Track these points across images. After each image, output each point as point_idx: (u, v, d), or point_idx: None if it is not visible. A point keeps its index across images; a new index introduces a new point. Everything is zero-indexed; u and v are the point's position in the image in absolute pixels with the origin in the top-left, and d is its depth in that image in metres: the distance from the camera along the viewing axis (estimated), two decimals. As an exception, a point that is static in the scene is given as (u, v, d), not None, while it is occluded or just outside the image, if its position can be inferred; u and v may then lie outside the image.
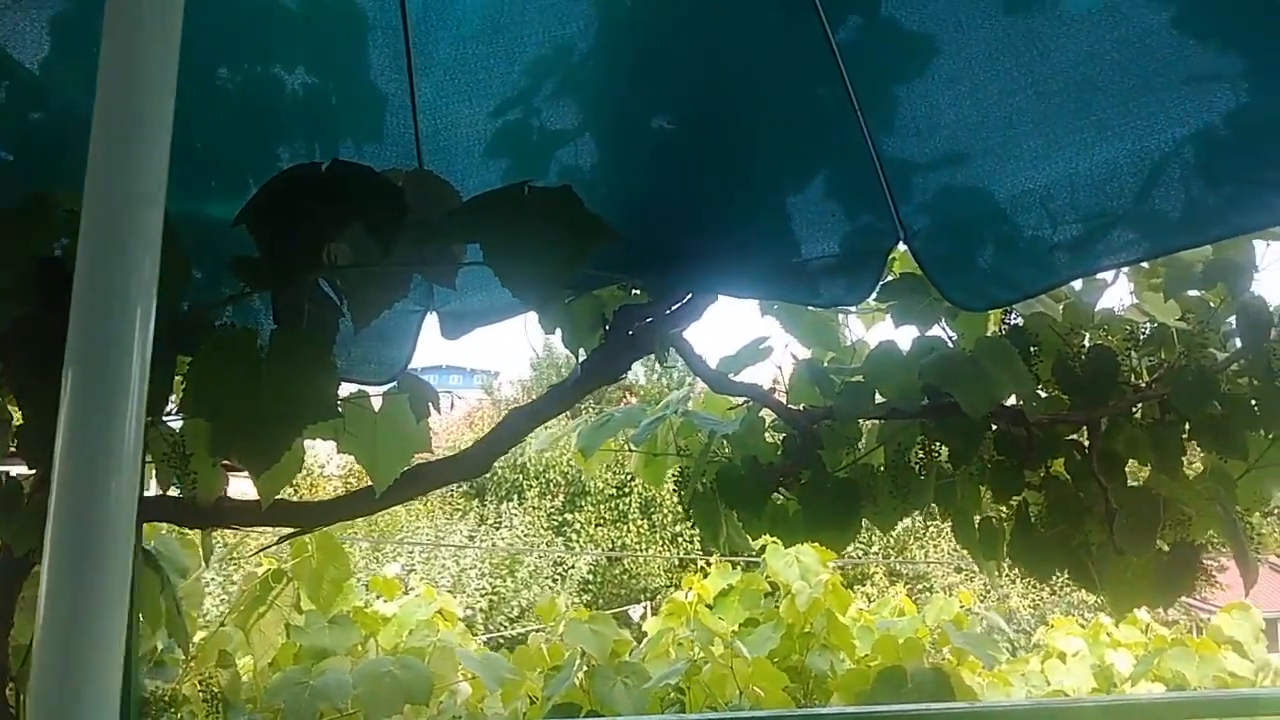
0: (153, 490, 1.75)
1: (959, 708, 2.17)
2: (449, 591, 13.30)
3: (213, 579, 11.09)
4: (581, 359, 1.84)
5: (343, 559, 2.57)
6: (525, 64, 1.68)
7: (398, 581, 3.91)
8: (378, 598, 3.86)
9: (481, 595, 15.22)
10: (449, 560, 15.29)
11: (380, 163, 1.76)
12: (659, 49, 1.75)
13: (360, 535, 15.17)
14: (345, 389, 1.70)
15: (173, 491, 1.68)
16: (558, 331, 1.88)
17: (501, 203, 1.42)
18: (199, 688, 2.40)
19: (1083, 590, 2.21)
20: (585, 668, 3.02)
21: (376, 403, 1.63)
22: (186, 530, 2.15)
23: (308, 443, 1.67)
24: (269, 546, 2.09)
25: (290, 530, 1.78)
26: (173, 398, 1.47)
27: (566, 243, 1.40)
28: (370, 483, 1.63)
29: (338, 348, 1.55)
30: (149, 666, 2.29)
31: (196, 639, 2.69)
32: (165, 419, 1.60)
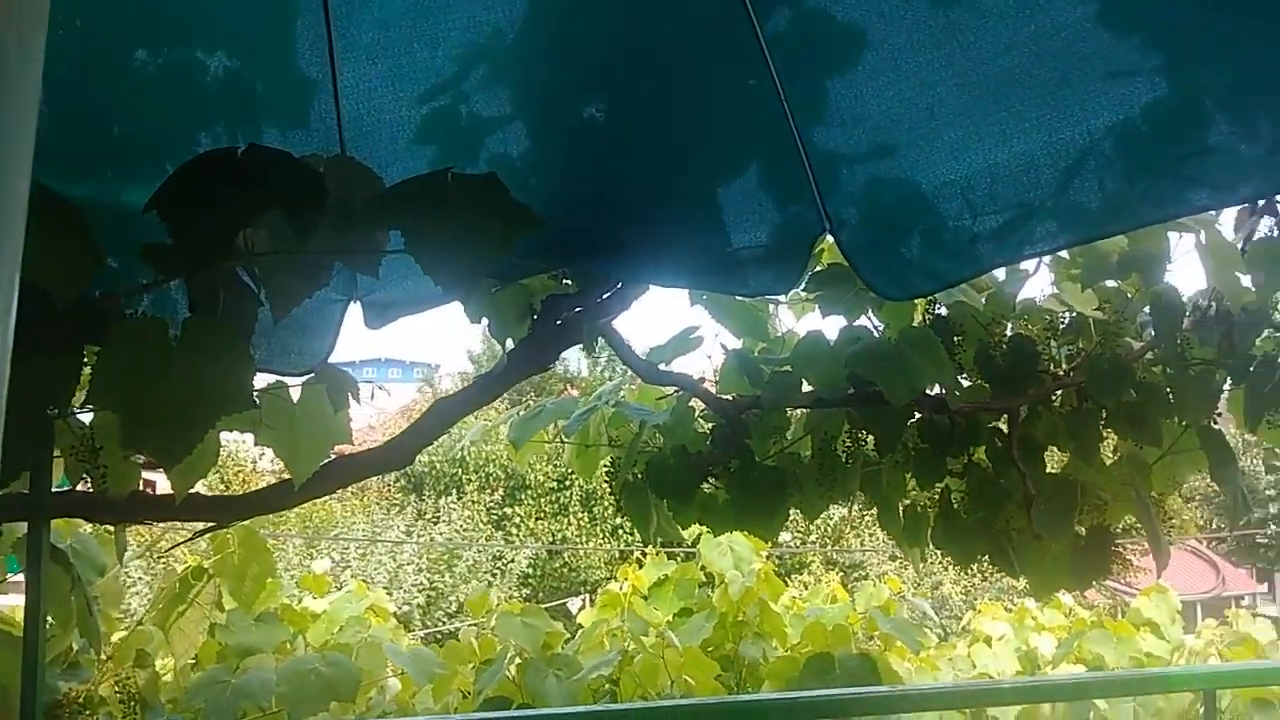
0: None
1: (881, 691, 2.21)
2: (385, 588, 13.17)
3: (141, 577, 10.80)
4: (509, 349, 1.83)
5: (266, 555, 2.52)
6: (452, 50, 1.66)
7: (328, 578, 3.85)
8: (308, 595, 3.80)
9: (419, 591, 15.06)
10: (385, 556, 15.10)
11: (306, 149, 1.72)
12: (590, 37, 1.73)
13: (294, 532, 14.91)
14: (264, 380, 1.66)
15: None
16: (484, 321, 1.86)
17: (424, 190, 1.40)
18: (116, 689, 2.33)
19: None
20: (517, 661, 3.01)
21: (297, 394, 1.59)
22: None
23: (243, 437, 1.63)
24: (184, 542, 2.03)
25: (207, 525, 1.73)
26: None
27: (491, 231, 1.38)
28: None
29: (257, 338, 1.51)
30: (62, 668, 2.21)
31: (116, 638, 2.61)
32: (75, 411, 1.55)
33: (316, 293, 1.50)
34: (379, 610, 3.77)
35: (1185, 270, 1.99)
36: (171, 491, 1.62)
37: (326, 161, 1.49)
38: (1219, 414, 2.18)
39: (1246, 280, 1.91)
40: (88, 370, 1.39)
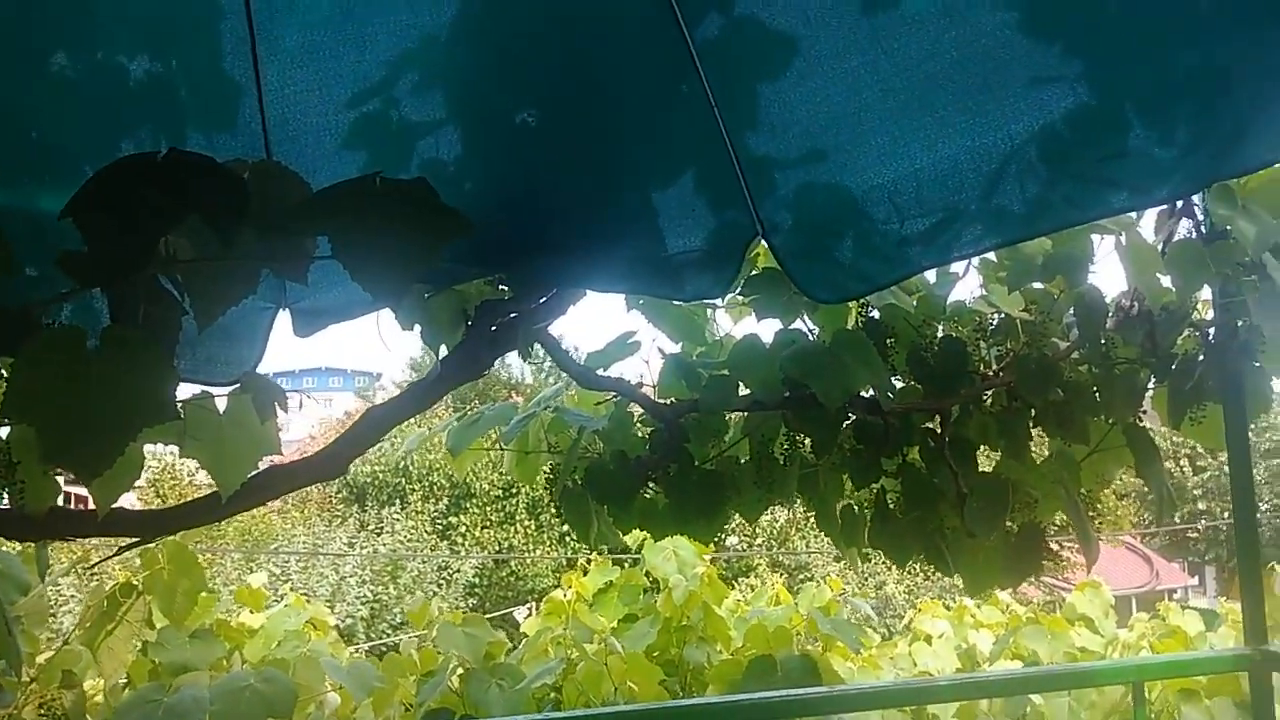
0: None
1: (822, 692, 2.23)
2: (328, 601, 12.95)
3: (74, 595, 10.49)
4: (443, 356, 1.81)
5: (197, 570, 2.46)
6: (381, 54, 1.64)
7: (264, 591, 3.77)
8: (245, 610, 3.72)
9: (363, 603, 14.84)
10: (327, 569, 14.85)
11: (233, 153, 1.69)
12: (522, 42, 1.73)
13: (233, 546, 14.61)
14: (190, 390, 1.63)
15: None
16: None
17: (351, 194, 1.38)
18: (40, 711, 2.25)
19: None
20: (460, 671, 2.97)
21: (224, 404, 1.56)
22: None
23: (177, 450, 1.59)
24: (109, 557, 1.97)
25: (132, 541, 1.68)
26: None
27: (420, 236, 1.37)
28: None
29: (181, 347, 1.48)
30: (-18, 691, 2.14)
31: (43, 659, 2.53)
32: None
33: (243, 300, 1.47)
34: (319, 623, 3.71)
35: (1108, 272, 2.04)
36: (94, 506, 1.57)
37: (251, 166, 1.46)
38: (1144, 412, 2.24)
39: (1166, 281, 1.96)
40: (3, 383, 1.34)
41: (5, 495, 1.55)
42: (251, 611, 3.70)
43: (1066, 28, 1.48)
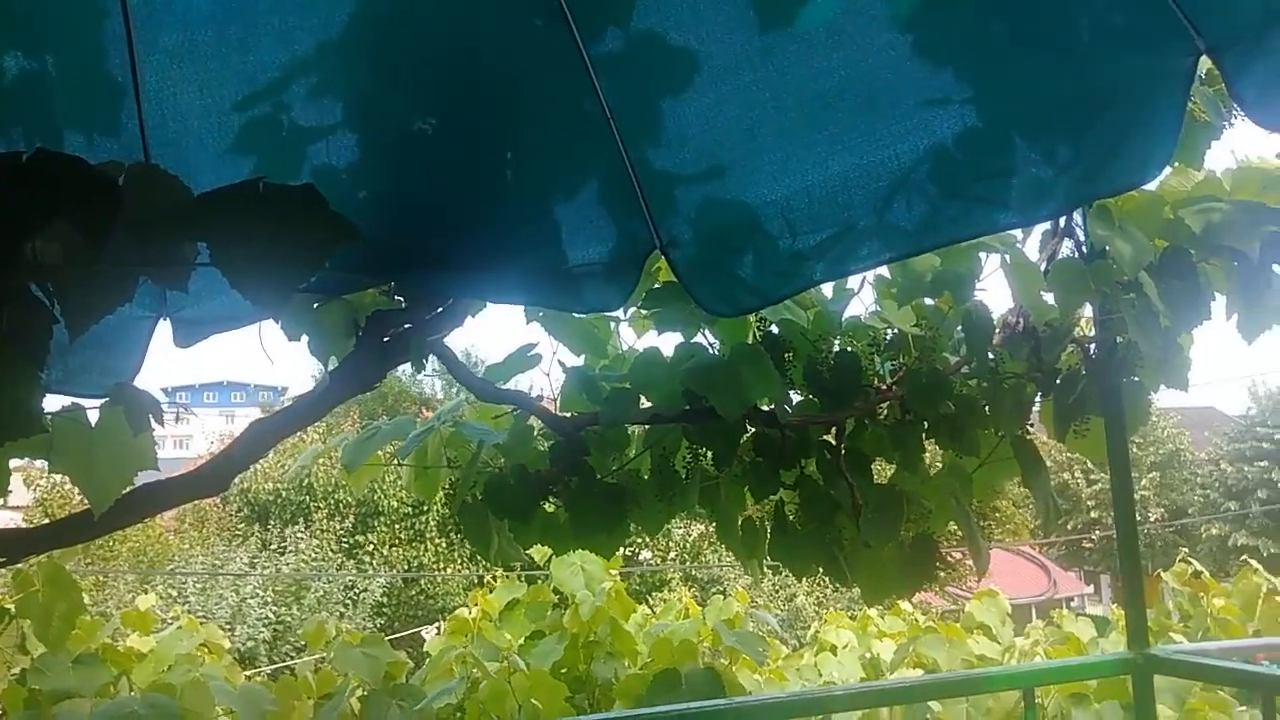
0: None
1: (725, 704, 2.24)
2: (228, 623, 12.52)
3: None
4: (332, 368, 1.76)
5: (74, 591, 2.34)
6: (270, 56, 1.60)
7: (154, 614, 3.62)
8: (134, 633, 3.57)
9: (265, 625, 14.38)
10: (228, 590, 14.36)
11: (117, 157, 1.62)
12: (418, 50, 1.71)
13: (126, 567, 14.01)
14: (59, 402, 1.55)
15: None
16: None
17: (233, 200, 1.33)
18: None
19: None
20: (360, 693, 2.90)
21: (94, 417, 1.49)
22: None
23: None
24: (-30, 580, 1.87)
25: (-4, 561, 1.59)
26: None
27: (305, 243, 1.33)
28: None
29: (52, 356, 1.41)
30: None
31: (-96, 690, 2.38)
32: None
33: (119, 309, 1.41)
34: (213, 646, 3.57)
35: (995, 289, 2.11)
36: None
37: (128, 169, 1.41)
38: (1031, 425, 2.31)
39: (1050, 298, 2.03)
40: None
41: None
42: (140, 635, 3.55)
43: (955, 53, 1.53)
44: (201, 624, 3.67)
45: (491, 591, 3.98)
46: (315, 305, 1.77)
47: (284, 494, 16.76)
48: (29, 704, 2.64)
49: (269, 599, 14.75)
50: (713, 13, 1.52)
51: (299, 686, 2.96)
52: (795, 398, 2.17)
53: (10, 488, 1.59)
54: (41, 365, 1.36)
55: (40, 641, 2.43)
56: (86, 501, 1.48)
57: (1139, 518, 2.46)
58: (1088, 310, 2.25)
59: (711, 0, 1.52)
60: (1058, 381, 2.22)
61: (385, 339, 1.76)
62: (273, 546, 16.22)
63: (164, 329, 1.80)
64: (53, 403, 1.56)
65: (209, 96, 1.59)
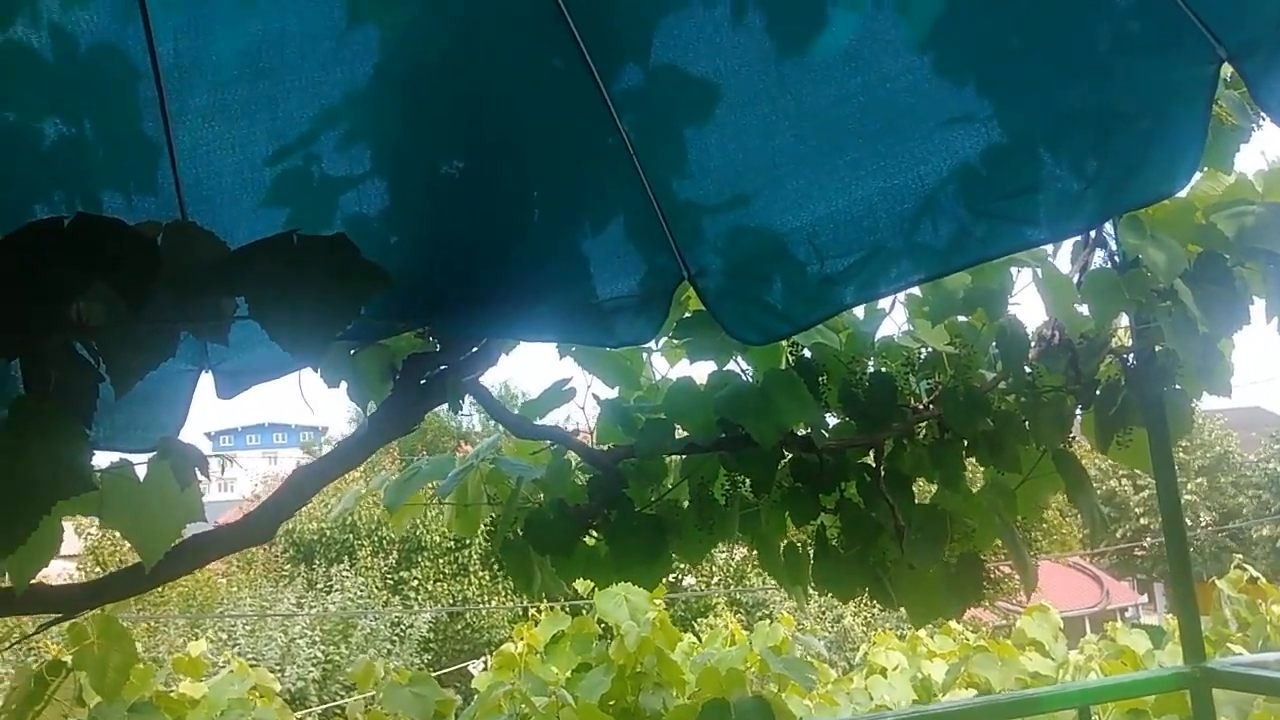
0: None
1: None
2: (277, 664, 12.60)
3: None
4: (371, 412, 1.79)
5: (128, 643, 2.37)
6: (298, 110, 1.64)
7: (204, 660, 3.66)
8: (186, 679, 3.61)
9: (314, 665, 14.46)
10: (276, 631, 14.46)
11: (155, 213, 1.67)
12: (443, 95, 1.74)
13: (176, 612, 14.17)
14: (108, 458, 1.58)
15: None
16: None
17: (268, 253, 1.36)
18: (-38, 801, 2.15)
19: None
20: (409, 732, 2.91)
21: (142, 471, 1.52)
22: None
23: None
24: (27, 637, 1.91)
25: (52, 618, 1.62)
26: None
27: (340, 292, 1.36)
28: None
29: (99, 414, 1.44)
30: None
31: (-35, 745, 2.42)
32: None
33: (162, 364, 1.44)
34: (263, 690, 3.61)
35: (1029, 303, 2.09)
36: (10, 584, 1.52)
37: (165, 227, 1.44)
38: (1073, 437, 2.29)
39: (1085, 310, 2.01)
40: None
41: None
42: (192, 681, 3.59)
43: (973, 71, 1.53)
44: (252, 667, 3.71)
45: (536, 625, 3.98)
46: (352, 352, 1.80)
47: (328, 533, 16.89)
48: (87, 755, 2.68)
49: (317, 638, 14.83)
50: (730, 45, 1.53)
51: (350, 728, 2.97)
52: (831, 420, 2.17)
53: (63, 535, 1.62)
54: (89, 423, 1.40)
55: (97, 693, 2.47)
56: (131, 549, 1.51)
57: (1188, 523, 2.42)
58: (1123, 320, 2.23)
59: (728, 33, 1.53)
60: (1097, 393, 2.20)
61: (422, 381, 1.78)
62: (319, 586, 16.33)
63: (206, 381, 1.84)
64: (100, 459, 1.60)
65: (241, 153, 1.63)
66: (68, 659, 2.44)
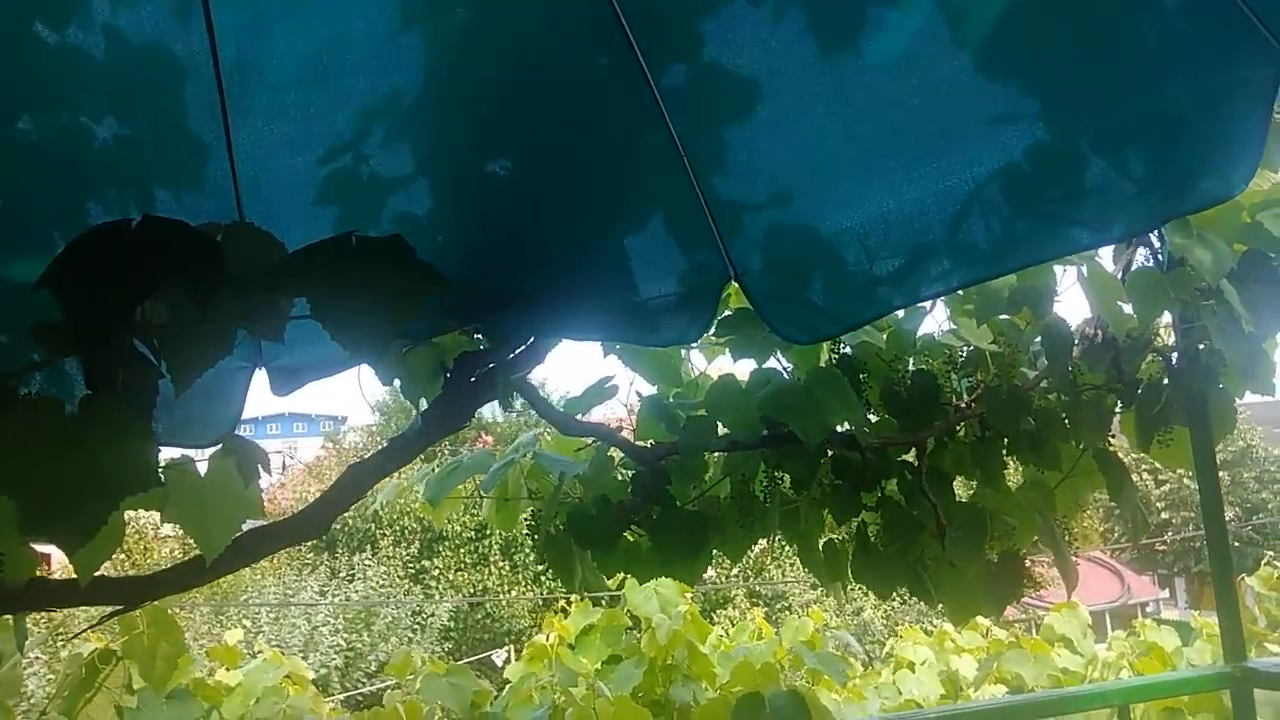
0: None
1: (812, 729, 2.23)
2: (300, 652, 12.71)
3: (37, 657, 10.23)
4: (423, 408, 1.81)
5: (176, 633, 2.42)
6: (351, 110, 1.66)
7: (240, 649, 3.71)
8: (221, 667, 3.66)
9: (336, 652, 14.59)
10: (299, 619, 14.59)
11: (202, 211, 1.69)
12: (490, 94, 1.75)
13: (200, 600, 14.31)
14: (168, 454, 1.61)
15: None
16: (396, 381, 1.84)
17: (328, 254, 1.38)
18: (17, 786, 2.20)
19: (926, 601, 2.31)
20: (445, 723, 2.94)
21: (202, 466, 1.55)
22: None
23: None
24: (94, 625, 1.94)
25: (114, 609, 1.66)
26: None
27: (398, 292, 1.38)
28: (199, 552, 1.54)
29: (158, 410, 1.47)
30: (-43, 767, 2.08)
31: (14, 731, 2.47)
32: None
33: (219, 362, 1.47)
34: (297, 678, 3.65)
35: (1071, 300, 2.09)
36: (75, 575, 1.55)
37: (225, 229, 1.47)
38: (1113, 436, 2.29)
39: (1128, 308, 2.01)
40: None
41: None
42: (227, 669, 3.64)
43: (1021, 69, 1.53)
44: (284, 656, 3.76)
45: (566, 616, 4.01)
46: (405, 350, 1.82)
47: (350, 523, 17.02)
48: (130, 742, 2.72)
49: (339, 627, 14.96)
50: (782, 47, 1.54)
51: (389, 717, 3.01)
52: (871, 419, 2.17)
53: (124, 528, 1.65)
54: (151, 420, 1.43)
55: (145, 681, 2.51)
56: (161, 535, 1.54)
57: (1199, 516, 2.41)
58: (1166, 318, 2.22)
59: (780, 35, 1.54)
60: (1139, 391, 2.20)
61: (472, 379, 1.80)
62: (341, 575, 16.46)
63: (259, 377, 1.87)
64: (162, 454, 1.63)
65: (297, 154, 1.65)
66: (116, 648, 2.49)
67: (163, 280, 1.35)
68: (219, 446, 1.53)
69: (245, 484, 1.47)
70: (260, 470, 1.48)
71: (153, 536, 14.91)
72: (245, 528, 1.63)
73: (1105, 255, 2.14)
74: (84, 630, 1.95)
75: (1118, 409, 2.25)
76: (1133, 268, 2.09)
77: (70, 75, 1.59)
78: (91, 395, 1.34)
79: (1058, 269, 2.05)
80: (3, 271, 1.67)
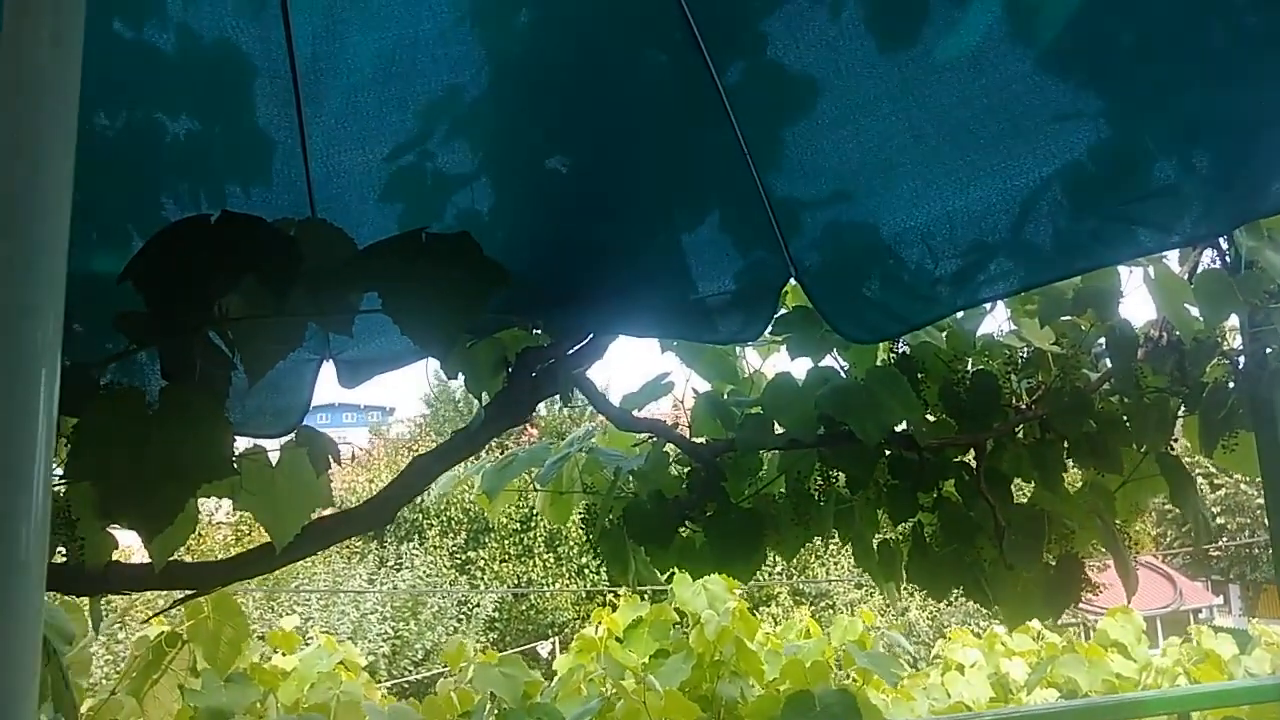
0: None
1: (866, 729, 2.22)
2: (349, 638, 12.91)
3: (96, 639, 10.52)
4: (485, 402, 1.84)
5: (240, 618, 2.49)
6: (417, 108, 1.68)
7: (296, 634, 3.79)
8: (276, 652, 3.74)
9: (384, 640, 14.80)
10: (349, 606, 14.83)
11: (270, 206, 1.73)
12: (552, 92, 1.77)
13: (254, 586, 14.59)
14: (242, 444, 1.66)
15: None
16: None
17: (399, 250, 1.41)
18: (87, 762, 2.27)
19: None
20: (496, 711, 2.98)
21: (273, 456, 1.59)
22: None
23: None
24: (165, 609, 2.00)
25: (188, 593, 1.71)
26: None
27: (465, 288, 1.40)
28: (268, 539, 1.58)
29: (231, 401, 1.51)
30: (32, 743, 2.15)
31: (85, 708, 2.55)
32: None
33: (290, 354, 1.51)
34: (350, 665, 3.72)
35: (1136, 301, 2.06)
36: (149, 559, 1.60)
37: (298, 224, 1.50)
38: (1175, 440, 2.25)
39: (1195, 310, 1.98)
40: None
41: (64, 551, 1.57)
42: (284, 654, 3.72)
43: (1088, 67, 1.51)
44: (338, 643, 3.83)
45: (615, 610, 4.04)
46: (470, 345, 1.85)
47: (399, 512, 17.23)
48: (193, 723, 2.80)
49: (387, 614, 15.17)
50: (847, 46, 1.54)
51: (442, 705, 3.06)
52: (929, 419, 2.16)
53: (198, 515, 1.70)
54: (225, 409, 1.47)
55: (210, 665, 2.58)
56: (215, 522, 1.58)
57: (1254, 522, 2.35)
58: (1233, 321, 2.18)
59: (845, 34, 1.53)
60: (1204, 395, 2.16)
61: (533, 374, 1.82)
62: (389, 563, 16.69)
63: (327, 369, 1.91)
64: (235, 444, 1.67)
65: (367, 151, 1.68)
66: (182, 631, 2.56)
67: (240, 274, 1.39)
68: (290, 436, 1.57)
69: (317, 474, 1.50)
70: (330, 461, 1.52)
71: (206, 523, 15.24)
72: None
73: (1172, 256, 2.11)
74: (160, 612, 2.01)
75: (1181, 413, 2.21)
76: (1199, 269, 2.06)
77: (145, 72, 1.63)
78: (170, 386, 1.39)
79: (1123, 270, 2.02)
80: (81, 265, 1.72)
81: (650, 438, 2.18)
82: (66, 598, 2.15)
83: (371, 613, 14.94)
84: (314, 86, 1.57)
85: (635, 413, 2.18)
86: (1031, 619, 2.21)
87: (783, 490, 2.17)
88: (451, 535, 17.46)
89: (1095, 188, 1.56)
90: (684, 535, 2.16)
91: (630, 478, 2.22)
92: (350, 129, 1.64)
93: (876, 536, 2.28)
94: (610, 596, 4.23)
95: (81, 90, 1.66)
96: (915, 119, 1.51)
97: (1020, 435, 2.17)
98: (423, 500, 16.77)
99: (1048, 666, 3.70)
